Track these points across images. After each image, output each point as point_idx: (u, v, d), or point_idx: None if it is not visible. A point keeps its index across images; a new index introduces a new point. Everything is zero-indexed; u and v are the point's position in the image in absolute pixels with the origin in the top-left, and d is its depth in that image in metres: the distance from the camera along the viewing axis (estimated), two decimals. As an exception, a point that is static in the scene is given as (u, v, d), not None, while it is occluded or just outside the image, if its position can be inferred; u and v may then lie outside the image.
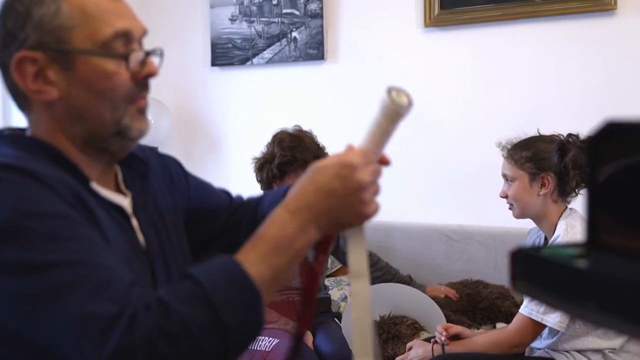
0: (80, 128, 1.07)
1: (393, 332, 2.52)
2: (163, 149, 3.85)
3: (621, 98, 2.84)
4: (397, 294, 2.69)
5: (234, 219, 1.37)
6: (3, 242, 0.92)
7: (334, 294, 3.00)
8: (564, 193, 2.14)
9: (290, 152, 2.58)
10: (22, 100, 1.09)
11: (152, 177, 1.22)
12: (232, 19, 3.63)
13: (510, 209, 2.21)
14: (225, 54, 3.66)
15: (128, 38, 1.07)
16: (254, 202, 1.42)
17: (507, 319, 2.66)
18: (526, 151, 2.15)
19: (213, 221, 1.35)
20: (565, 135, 2.17)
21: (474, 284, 2.87)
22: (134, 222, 1.13)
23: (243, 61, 3.60)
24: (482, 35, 3.10)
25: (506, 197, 2.20)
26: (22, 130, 1.14)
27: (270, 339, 2.49)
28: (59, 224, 0.94)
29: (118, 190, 1.15)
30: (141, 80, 1.09)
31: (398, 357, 2.34)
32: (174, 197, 1.29)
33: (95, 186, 1.08)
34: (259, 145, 2.77)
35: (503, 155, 2.23)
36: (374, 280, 2.91)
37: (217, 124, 3.79)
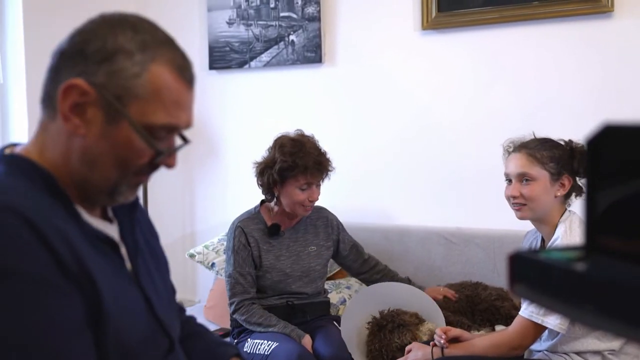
0: (85, 171, 1.08)
1: (397, 321, 2.52)
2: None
3: (619, 99, 2.84)
4: (395, 292, 2.69)
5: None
6: None
7: (333, 297, 2.99)
8: (569, 196, 2.14)
9: (291, 158, 2.57)
10: (50, 108, 1.09)
11: (140, 209, 1.27)
12: (230, 23, 3.63)
13: (518, 209, 2.13)
14: (223, 57, 3.66)
15: (172, 130, 1.11)
16: (192, 328, 1.46)
17: (506, 321, 2.66)
18: (547, 151, 2.11)
19: None
20: (569, 140, 2.17)
21: (473, 286, 2.87)
22: (122, 250, 1.16)
23: (241, 64, 3.61)
24: (479, 37, 3.10)
25: (517, 196, 2.12)
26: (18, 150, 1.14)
27: (270, 342, 2.49)
28: (29, 291, 0.95)
29: (105, 216, 1.18)
30: (156, 165, 1.12)
31: (397, 360, 2.34)
32: (154, 238, 1.32)
33: (86, 217, 1.10)
34: (257, 149, 2.77)
35: (511, 152, 2.18)
36: (372, 282, 2.91)
37: (215, 128, 3.79)
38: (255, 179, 2.72)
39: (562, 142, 2.17)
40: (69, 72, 1.05)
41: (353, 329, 2.62)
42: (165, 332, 1.18)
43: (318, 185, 2.66)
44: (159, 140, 1.09)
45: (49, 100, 1.08)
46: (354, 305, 2.69)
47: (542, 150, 2.11)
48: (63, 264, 0.98)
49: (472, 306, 2.79)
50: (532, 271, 0.68)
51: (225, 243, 2.98)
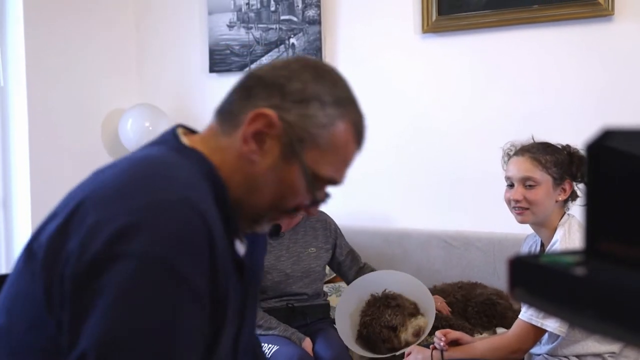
0: (241, 194, 1.10)
1: (396, 302, 2.55)
2: (161, 156, 3.86)
3: (619, 103, 2.84)
4: (387, 279, 2.71)
5: None
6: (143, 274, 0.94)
7: (333, 301, 2.99)
8: (568, 200, 2.15)
9: None
10: (229, 123, 1.11)
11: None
12: (230, 26, 3.64)
13: (520, 213, 2.12)
14: (223, 60, 3.66)
15: (331, 184, 1.15)
16: None
17: (502, 321, 2.67)
18: (550, 155, 2.11)
19: None
20: (566, 145, 2.17)
21: (470, 285, 2.87)
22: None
23: (241, 67, 3.61)
24: (480, 41, 3.11)
25: (520, 200, 2.10)
26: (193, 133, 1.18)
27: (270, 345, 2.49)
28: (183, 300, 0.96)
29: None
30: (300, 209, 1.15)
31: (397, 364, 2.34)
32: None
33: (237, 241, 1.12)
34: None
35: (513, 156, 2.17)
36: None
37: (216, 131, 3.79)
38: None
39: (560, 147, 2.17)
40: (263, 100, 1.08)
41: (351, 306, 2.64)
42: None
43: None
44: (318, 189, 1.12)
45: (230, 115, 1.11)
46: (355, 286, 2.73)
47: (545, 155, 2.11)
48: (216, 282, 1.01)
49: (466, 301, 2.78)
50: (532, 275, 0.68)
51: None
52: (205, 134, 1.15)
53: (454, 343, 2.22)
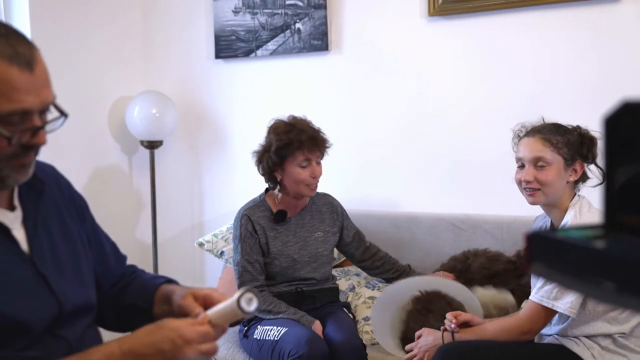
0: None
1: (443, 303, 2.52)
2: (168, 142, 3.87)
3: (626, 85, 2.82)
4: (436, 286, 2.65)
5: (116, 286, 1.58)
6: None
7: (342, 284, 3.00)
8: (579, 181, 2.14)
9: (286, 136, 2.62)
10: None
11: (48, 194, 1.40)
12: (236, 11, 3.62)
13: (531, 194, 2.11)
14: (229, 46, 3.65)
15: (25, 114, 1.19)
16: (131, 277, 1.61)
17: (505, 276, 2.69)
18: (561, 136, 2.11)
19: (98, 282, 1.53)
20: (577, 126, 2.16)
21: (474, 250, 2.89)
22: (18, 234, 1.30)
23: (247, 53, 3.60)
24: (486, 23, 3.09)
25: (531, 181, 2.10)
26: None
27: (279, 328, 2.50)
28: None
29: (10, 205, 1.32)
30: (27, 146, 1.22)
31: (408, 345, 2.34)
32: (72, 219, 1.46)
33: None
34: (264, 137, 2.77)
35: (523, 137, 2.17)
36: (373, 270, 2.91)
37: (222, 116, 3.79)
38: (256, 168, 2.74)
39: (571, 127, 2.17)
40: None
41: (391, 307, 2.60)
42: (57, 301, 1.31)
43: (318, 163, 2.68)
44: (14, 125, 1.18)
45: None
46: (395, 288, 2.68)
47: (556, 135, 2.11)
48: None
49: (471, 257, 2.83)
50: (550, 250, 0.68)
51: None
52: None
53: (464, 325, 2.22)
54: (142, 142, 3.73)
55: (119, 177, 3.91)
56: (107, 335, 1.44)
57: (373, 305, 2.68)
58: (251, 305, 1.26)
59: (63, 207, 1.45)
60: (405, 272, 2.89)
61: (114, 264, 1.59)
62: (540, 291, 2.05)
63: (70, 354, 1.29)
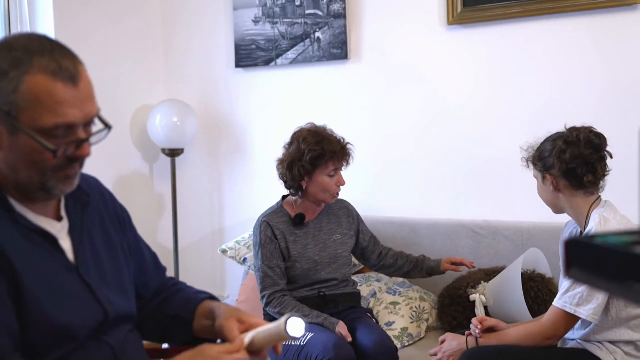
0: (13, 176, 1.28)
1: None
2: (189, 150, 3.92)
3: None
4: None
5: (160, 296, 1.64)
6: None
7: (363, 291, 3.03)
8: (580, 186, 2.13)
9: (319, 147, 2.68)
10: None
11: (92, 206, 1.45)
12: (256, 21, 3.67)
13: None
14: (249, 55, 3.70)
15: (69, 128, 1.24)
16: (175, 289, 1.67)
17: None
18: (536, 151, 2.22)
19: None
20: (568, 130, 2.18)
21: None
22: (65, 244, 1.35)
23: (267, 62, 3.65)
24: (505, 32, 3.12)
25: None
26: None
27: (305, 333, 2.52)
28: None
29: (58, 215, 1.37)
30: (71, 158, 1.28)
31: (431, 351, 2.37)
32: (115, 230, 1.51)
33: (23, 212, 1.30)
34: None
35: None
36: (389, 269, 2.91)
37: (242, 125, 3.84)
38: (279, 175, 2.78)
39: (563, 134, 2.18)
40: None
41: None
42: (103, 309, 1.36)
43: (341, 171, 2.76)
44: (59, 138, 1.23)
45: None
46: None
47: (533, 152, 2.24)
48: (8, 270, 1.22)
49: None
50: (588, 256, 0.71)
51: (254, 238, 3.03)
52: None
53: (489, 330, 2.25)
54: (163, 150, 3.78)
55: (140, 184, 3.96)
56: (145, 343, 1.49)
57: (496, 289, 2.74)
58: (298, 329, 1.31)
59: (107, 218, 1.50)
60: (418, 261, 2.87)
61: (154, 275, 1.64)
62: (564, 297, 2.08)
63: (114, 359, 1.34)
